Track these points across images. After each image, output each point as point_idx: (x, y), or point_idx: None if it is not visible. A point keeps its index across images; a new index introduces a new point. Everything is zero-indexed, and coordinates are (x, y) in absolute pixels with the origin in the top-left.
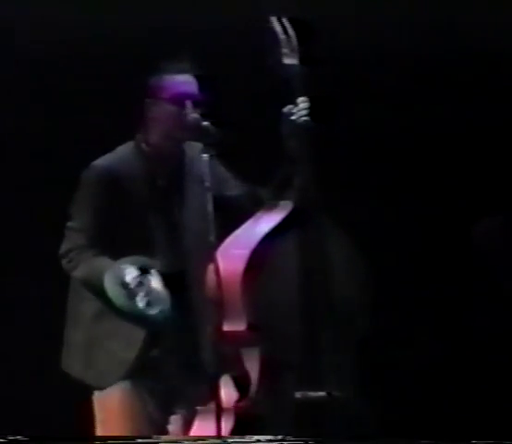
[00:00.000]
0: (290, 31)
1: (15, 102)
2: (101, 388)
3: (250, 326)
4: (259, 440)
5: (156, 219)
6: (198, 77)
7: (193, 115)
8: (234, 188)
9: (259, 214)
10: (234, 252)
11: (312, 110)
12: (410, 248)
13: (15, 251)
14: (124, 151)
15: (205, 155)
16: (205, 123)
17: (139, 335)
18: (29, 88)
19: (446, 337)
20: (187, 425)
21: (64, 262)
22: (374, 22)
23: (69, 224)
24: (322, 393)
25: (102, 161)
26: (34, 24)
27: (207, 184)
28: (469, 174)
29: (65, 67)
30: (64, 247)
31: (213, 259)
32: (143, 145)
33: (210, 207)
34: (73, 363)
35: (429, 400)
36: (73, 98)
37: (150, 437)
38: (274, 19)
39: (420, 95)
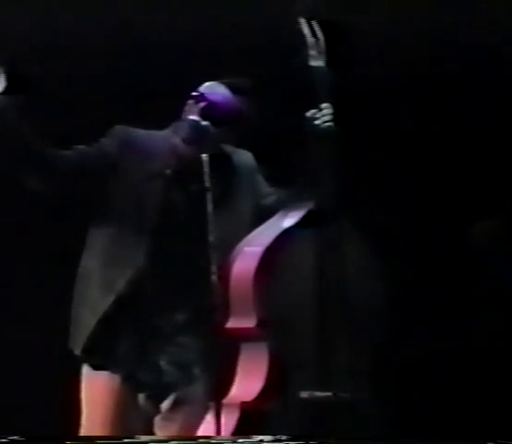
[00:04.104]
0: (319, 33)
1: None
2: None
3: (260, 323)
4: (262, 440)
5: (145, 201)
6: (228, 84)
7: (193, 115)
8: (268, 196)
9: (279, 213)
10: (248, 250)
11: (336, 115)
12: (428, 251)
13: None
14: (157, 131)
15: (204, 155)
16: (205, 123)
17: (104, 304)
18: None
19: (457, 339)
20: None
21: None
22: (403, 26)
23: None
24: (328, 393)
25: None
26: (96, 23)
27: (207, 184)
28: (497, 176)
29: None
30: None
31: (213, 257)
32: (174, 135)
33: (210, 207)
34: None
35: (437, 401)
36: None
37: (158, 437)
38: (302, 21)
39: (445, 101)
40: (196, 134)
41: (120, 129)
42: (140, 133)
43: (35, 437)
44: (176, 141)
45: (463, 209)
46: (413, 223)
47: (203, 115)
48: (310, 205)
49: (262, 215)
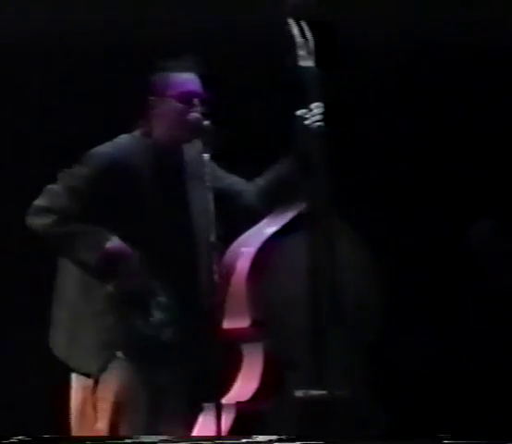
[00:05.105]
0: (308, 34)
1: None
2: (84, 374)
3: (255, 323)
4: (261, 441)
5: (151, 211)
6: (204, 76)
7: (195, 114)
8: (222, 180)
9: (272, 214)
10: (241, 250)
11: (326, 115)
12: (422, 250)
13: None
14: (125, 141)
15: (206, 155)
16: (205, 122)
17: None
18: (30, 82)
19: (454, 338)
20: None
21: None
22: (392, 25)
23: (57, 187)
24: (323, 392)
25: (104, 148)
26: (43, 21)
27: (207, 184)
28: (488, 175)
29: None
30: (40, 202)
31: (214, 257)
32: (146, 138)
33: (211, 206)
34: (58, 343)
35: (433, 400)
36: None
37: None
38: (291, 21)
39: (436, 100)
40: (197, 134)
41: (97, 153)
42: (113, 149)
43: (41, 437)
44: (167, 143)
45: (460, 208)
46: (409, 222)
47: (203, 112)
48: (302, 205)
49: (219, 199)
